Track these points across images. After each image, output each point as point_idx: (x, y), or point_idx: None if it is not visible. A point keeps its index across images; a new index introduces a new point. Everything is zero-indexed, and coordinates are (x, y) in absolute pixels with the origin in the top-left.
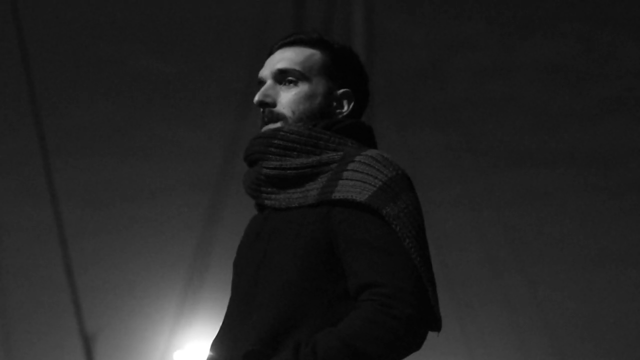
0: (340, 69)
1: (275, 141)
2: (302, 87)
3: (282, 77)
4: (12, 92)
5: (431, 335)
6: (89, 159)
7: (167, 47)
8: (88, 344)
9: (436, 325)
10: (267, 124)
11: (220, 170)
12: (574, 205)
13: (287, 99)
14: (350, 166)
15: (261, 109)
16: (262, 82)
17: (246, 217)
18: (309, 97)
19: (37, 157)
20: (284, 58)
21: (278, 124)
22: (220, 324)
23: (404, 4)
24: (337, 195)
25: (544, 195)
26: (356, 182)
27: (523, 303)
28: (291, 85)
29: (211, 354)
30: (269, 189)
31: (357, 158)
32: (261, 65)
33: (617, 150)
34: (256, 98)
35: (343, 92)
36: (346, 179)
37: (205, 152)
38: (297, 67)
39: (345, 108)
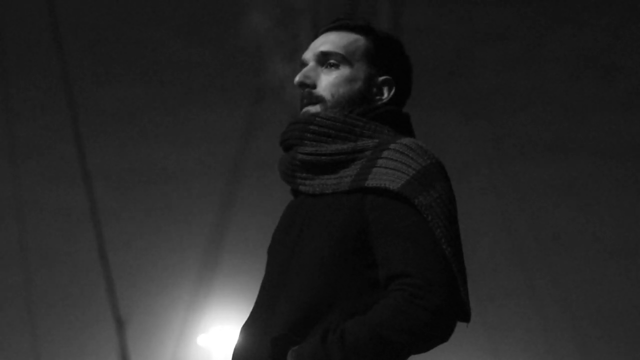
0: (383, 56)
1: (311, 127)
2: (343, 71)
3: (324, 59)
4: (46, 74)
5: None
6: (116, 141)
7: (194, 33)
8: (122, 327)
9: (465, 317)
10: (306, 105)
11: (238, 155)
12: (600, 195)
13: (327, 81)
14: (385, 154)
15: (301, 90)
16: (304, 64)
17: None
18: (349, 81)
19: (69, 139)
20: (327, 41)
21: (317, 107)
22: (250, 309)
23: None
24: (370, 182)
25: (570, 186)
26: (390, 170)
27: (547, 293)
28: (332, 68)
29: (240, 338)
30: (304, 175)
31: (392, 146)
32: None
33: None
34: (297, 79)
35: (384, 79)
36: (380, 167)
37: (226, 135)
38: (340, 51)
39: (385, 95)
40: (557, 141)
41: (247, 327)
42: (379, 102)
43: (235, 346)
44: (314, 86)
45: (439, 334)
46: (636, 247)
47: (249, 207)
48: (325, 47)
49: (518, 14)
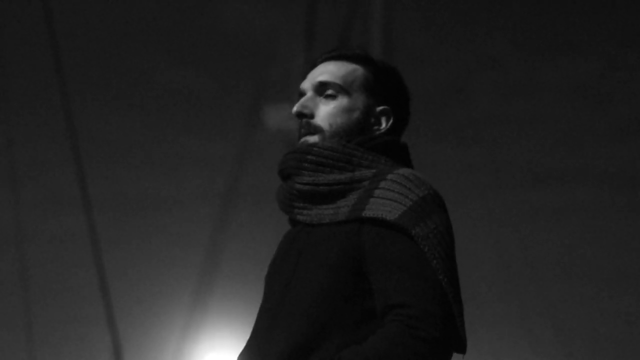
0: (381, 86)
1: (309, 157)
2: (341, 101)
3: (323, 89)
4: (46, 102)
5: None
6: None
7: (185, 60)
8: (120, 355)
9: (461, 348)
10: (304, 135)
11: (231, 183)
12: (595, 224)
13: (325, 111)
14: (382, 184)
15: (299, 120)
16: (302, 94)
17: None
18: (347, 111)
19: (67, 165)
20: (325, 71)
21: (315, 137)
22: (247, 336)
23: (428, 23)
24: (367, 213)
25: (565, 214)
26: (387, 201)
27: (540, 322)
28: (330, 98)
29: None
30: (301, 204)
31: (389, 176)
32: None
33: (639, 170)
34: (295, 108)
35: (382, 109)
36: (377, 197)
37: (219, 164)
38: (338, 81)
39: (383, 125)
40: (552, 169)
41: (244, 356)
42: (377, 132)
43: None
44: (312, 116)
45: None
46: (631, 275)
47: (243, 235)
48: (323, 77)
49: (514, 42)
